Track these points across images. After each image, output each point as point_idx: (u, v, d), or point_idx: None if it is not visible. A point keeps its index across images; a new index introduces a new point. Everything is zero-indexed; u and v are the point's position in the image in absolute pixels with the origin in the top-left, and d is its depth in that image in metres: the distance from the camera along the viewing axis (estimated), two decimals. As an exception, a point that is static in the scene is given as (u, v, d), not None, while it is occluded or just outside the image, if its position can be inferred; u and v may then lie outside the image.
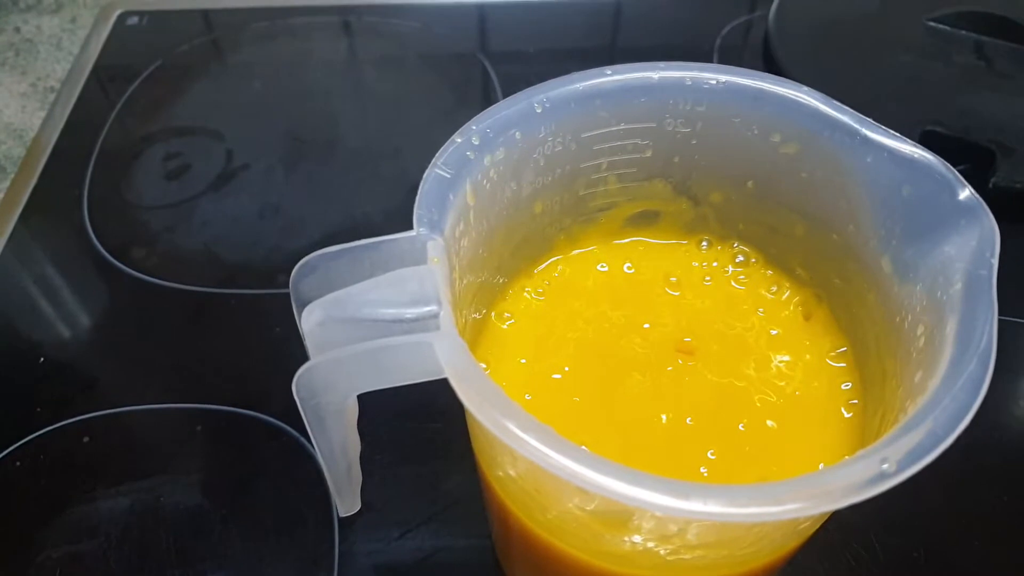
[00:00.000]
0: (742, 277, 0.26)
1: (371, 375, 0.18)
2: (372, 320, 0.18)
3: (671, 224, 0.26)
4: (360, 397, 0.26)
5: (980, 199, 0.20)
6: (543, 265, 0.26)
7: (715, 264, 0.26)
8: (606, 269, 0.26)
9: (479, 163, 0.21)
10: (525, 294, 0.26)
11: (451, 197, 0.20)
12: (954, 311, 0.18)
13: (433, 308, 0.18)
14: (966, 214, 0.20)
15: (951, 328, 0.18)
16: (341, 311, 0.18)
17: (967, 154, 0.41)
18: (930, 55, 0.45)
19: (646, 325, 0.25)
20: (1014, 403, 0.36)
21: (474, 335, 0.25)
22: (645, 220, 0.26)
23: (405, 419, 0.34)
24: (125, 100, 0.48)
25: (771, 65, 0.46)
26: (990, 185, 0.40)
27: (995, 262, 0.19)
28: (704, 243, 0.26)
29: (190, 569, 0.30)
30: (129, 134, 0.46)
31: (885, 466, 0.16)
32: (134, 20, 0.52)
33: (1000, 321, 0.39)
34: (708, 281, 0.26)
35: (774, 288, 0.25)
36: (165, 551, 0.31)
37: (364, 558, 0.31)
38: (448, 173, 0.20)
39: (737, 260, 0.26)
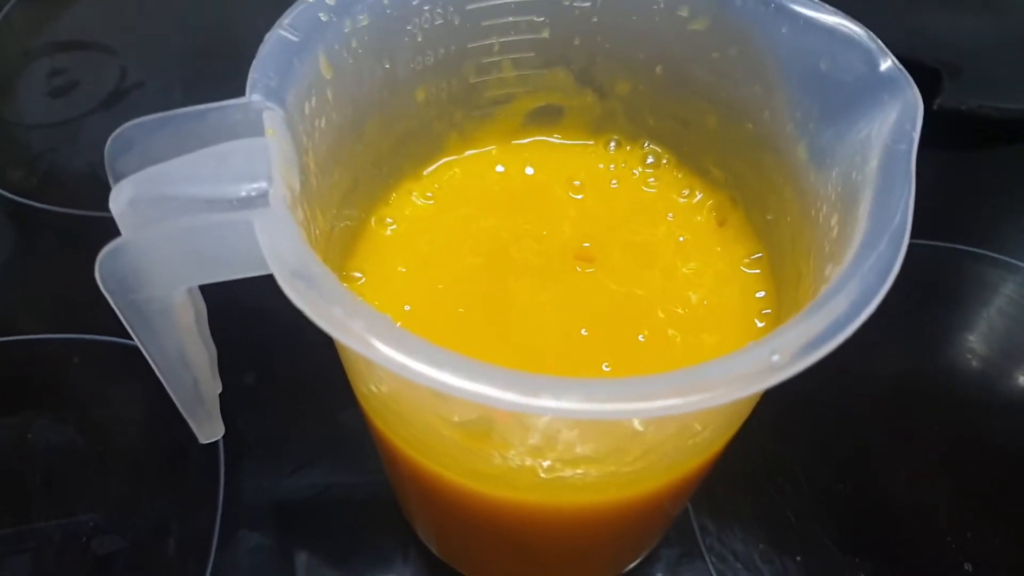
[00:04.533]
0: (652, 180, 0.23)
1: (191, 263, 0.16)
2: (189, 198, 0.15)
3: (576, 121, 0.24)
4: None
5: (903, 70, 0.17)
6: (433, 166, 0.24)
7: (623, 166, 0.23)
8: (504, 171, 0.24)
9: (336, 29, 0.18)
10: (412, 198, 0.23)
11: (297, 63, 0.17)
12: (868, 190, 0.16)
13: (262, 185, 0.15)
14: (888, 87, 0.17)
15: (863, 209, 0.16)
16: (153, 188, 0.15)
17: (914, 75, 0.39)
18: (878, -29, 0.43)
19: (544, 231, 0.22)
20: (953, 332, 0.34)
21: (350, 242, 0.22)
22: (548, 117, 0.24)
23: (301, 348, 0.31)
24: (6, 12, 0.43)
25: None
26: (935, 107, 0.38)
27: (916, 136, 0.16)
28: (612, 143, 0.24)
29: (59, 510, 0.28)
30: (10, 48, 0.42)
31: (776, 358, 0.13)
32: (22, -74, 0.47)
33: (948, 249, 0.37)
34: (615, 184, 0.23)
35: (686, 191, 0.23)
36: (32, 492, 0.28)
37: (252, 495, 0.28)
38: (295, 36, 0.17)
39: (647, 161, 0.23)
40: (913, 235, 0.40)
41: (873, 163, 0.16)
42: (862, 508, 0.29)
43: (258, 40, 0.48)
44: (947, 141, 0.39)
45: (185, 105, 0.44)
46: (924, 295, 0.35)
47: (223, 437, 0.28)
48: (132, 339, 0.32)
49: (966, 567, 0.28)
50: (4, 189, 0.36)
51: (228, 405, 0.24)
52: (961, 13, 0.41)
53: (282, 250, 0.14)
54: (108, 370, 0.31)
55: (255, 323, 0.31)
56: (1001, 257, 0.36)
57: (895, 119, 0.17)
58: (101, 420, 0.30)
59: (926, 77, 0.39)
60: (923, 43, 0.40)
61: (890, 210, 0.15)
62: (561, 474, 0.17)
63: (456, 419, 0.16)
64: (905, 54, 0.41)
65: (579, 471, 0.17)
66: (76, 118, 0.39)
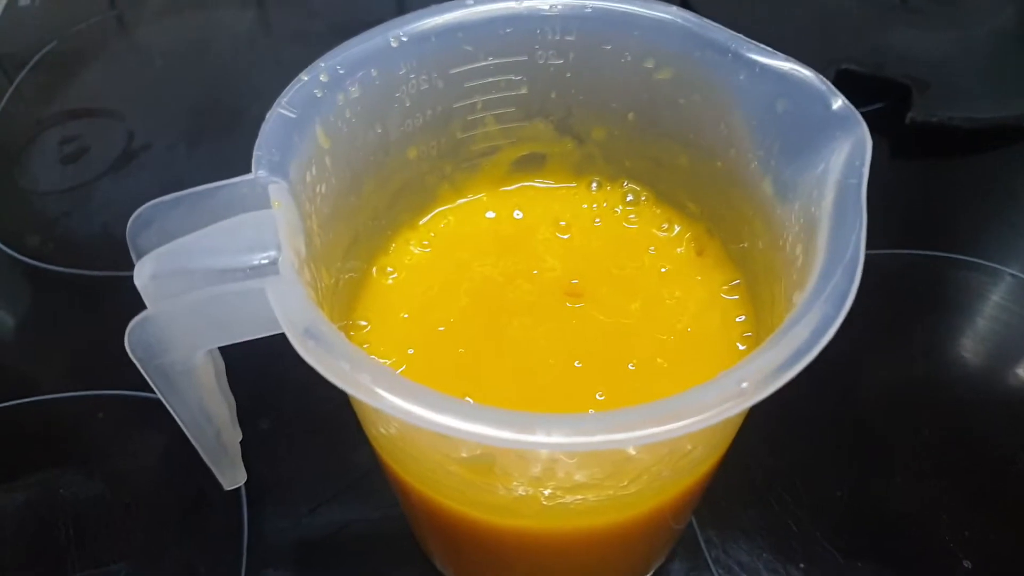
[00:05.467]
0: (632, 216, 0.25)
1: (209, 329, 0.17)
2: (205, 270, 0.17)
3: (559, 166, 0.25)
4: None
5: (853, 108, 0.19)
6: (428, 216, 0.25)
7: (605, 204, 0.25)
8: (494, 216, 0.25)
9: (330, 102, 0.20)
10: (410, 247, 0.25)
11: (296, 139, 0.19)
12: (824, 224, 0.17)
13: (271, 254, 0.17)
14: (840, 125, 0.19)
15: (821, 241, 0.17)
16: (172, 263, 0.17)
17: (883, 91, 0.41)
18: (845, -7, 0.45)
19: (535, 271, 0.24)
20: (938, 336, 0.35)
21: (355, 292, 0.23)
22: (532, 164, 0.25)
23: (313, 390, 0.32)
24: (18, 84, 0.45)
25: (685, 3, 0.45)
26: (907, 121, 0.39)
27: (865, 171, 0.18)
28: (594, 184, 0.25)
29: (90, 561, 0.29)
30: (22, 119, 0.44)
31: (744, 385, 0.15)
32: (26, 1, 0.49)
33: (927, 257, 0.39)
34: (598, 222, 0.25)
35: (665, 225, 0.24)
36: (64, 545, 0.29)
37: (274, 536, 0.29)
38: (293, 113, 0.19)
39: (627, 199, 0.25)
40: (894, 244, 0.42)
41: (829, 198, 0.18)
42: (861, 513, 0.30)
43: (253, 98, 0.50)
44: (920, 152, 0.41)
45: (191, 162, 0.46)
46: (910, 302, 0.36)
47: (244, 482, 0.30)
48: (153, 392, 0.34)
49: (965, 564, 0.29)
50: (23, 255, 0.38)
51: (246, 451, 0.26)
52: (927, 31, 0.43)
53: (293, 313, 0.16)
54: (131, 423, 0.33)
55: (268, 371, 0.33)
56: (979, 261, 0.37)
57: (847, 155, 0.18)
58: (127, 472, 0.31)
59: (897, 92, 0.41)
60: (893, 60, 0.41)
61: (844, 243, 0.17)
62: (562, 500, 0.18)
63: (460, 456, 0.18)
64: (877, 72, 0.43)
65: (578, 497, 0.18)
66: (88, 182, 0.41)
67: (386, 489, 0.30)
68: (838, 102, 0.19)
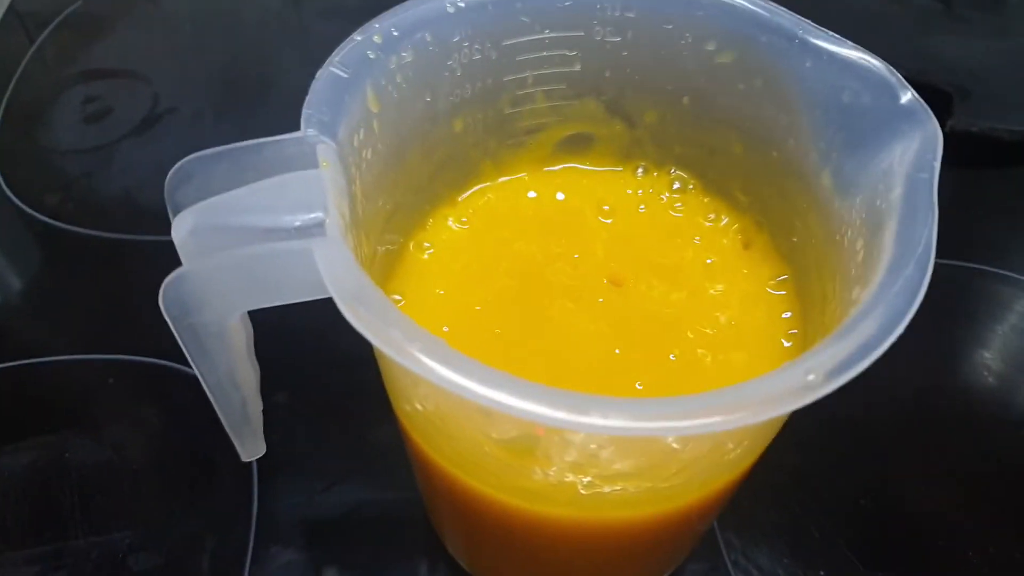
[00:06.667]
0: (679, 204, 0.24)
1: (249, 289, 0.17)
2: (248, 228, 0.16)
3: (605, 149, 0.25)
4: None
5: (923, 102, 0.18)
6: (468, 193, 0.24)
7: (651, 191, 0.24)
8: (536, 196, 0.24)
9: (382, 65, 0.19)
10: (448, 223, 0.24)
11: (347, 99, 0.18)
12: (892, 217, 0.17)
13: (318, 215, 0.16)
14: (908, 118, 0.18)
15: (889, 235, 0.16)
16: (214, 218, 0.16)
17: (924, 97, 0.40)
18: (889, -3, 0.44)
19: (575, 255, 0.23)
20: (968, 349, 0.35)
21: (389, 266, 0.23)
22: (578, 145, 0.25)
23: (332, 367, 0.32)
24: (41, 41, 0.45)
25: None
26: (947, 129, 0.39)
27: (937, 165, 0.17)
28: (640, 169, 0.25)
29: (95, 527, 0.28)
30: (46, 77, 0.43)
31: (811, 377, 0.14)
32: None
33: (961, 268, 0.38)
34: (643, 209, 0.24)
35: (712, 215, 0.24)
36: (69, 509, 0.29)
37: (284, 513, 0.29)
38: (345, 72, 0.18)
39: (674, 187, 0.24)
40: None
41: (897, 191, 0.17)
42: (884, 523, 0.29)
43: (281, 71, 0.49)
44: (959, 161, 0.40)
45: (217, 129, 0.45)
46: (940, 313, 0.36)
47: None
48: (164, 360, 0.33)
49: (988, 581, 0.28)
50: (40, 213, 0.37)
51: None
52: (971, 38, 0.42)
53: (341, 276, 0.15)
54: (142, 390, 0.32)
55: (287, 343, 0.32)
56: (1013, 275, 0.37)
57: (916, 149, 0.18)
58: (136, 439, 0.31)
59: (938, 99, 0.40)
60: (935, 67, 0.40)
61: (915, 236, 0.16)
62: (600, 490, 0.18)
63: (501, 436, 0.17)
64: (917, 77, 0.42)
65: (618, 487, 0.18)
66: (110, 143, 0.40)
67: (403, 470, 0.29)
68: (907, 95, 0.19)
